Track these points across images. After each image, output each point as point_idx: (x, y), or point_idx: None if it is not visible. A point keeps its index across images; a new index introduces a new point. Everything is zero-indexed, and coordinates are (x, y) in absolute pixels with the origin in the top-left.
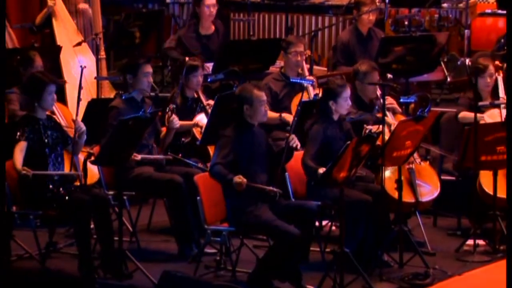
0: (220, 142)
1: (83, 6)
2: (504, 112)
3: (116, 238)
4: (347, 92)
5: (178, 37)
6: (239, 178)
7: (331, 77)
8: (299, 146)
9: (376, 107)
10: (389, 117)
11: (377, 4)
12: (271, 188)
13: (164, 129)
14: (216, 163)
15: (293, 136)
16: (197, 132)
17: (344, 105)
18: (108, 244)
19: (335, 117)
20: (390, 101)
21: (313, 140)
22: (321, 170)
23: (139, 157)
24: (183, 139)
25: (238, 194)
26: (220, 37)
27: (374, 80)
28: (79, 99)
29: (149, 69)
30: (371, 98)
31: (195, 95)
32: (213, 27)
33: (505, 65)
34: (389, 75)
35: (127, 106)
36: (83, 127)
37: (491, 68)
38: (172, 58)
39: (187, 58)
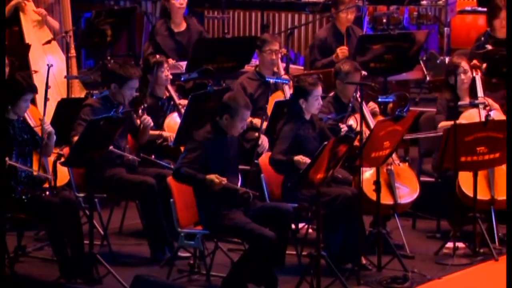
0: (189, 146)
1: (40, 11)
2: (483, 112)
3: (86, 242)
4: (318, 90)
5: (153, 42)
6: (217, 178)
7: (303, 75)
8: (266, 149)
9: (351, 105)
10: (370, 122)
11: (355, 1)
12: (244, 189)
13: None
14: (182, 165)
15: (262, 137)
16: (168, 136)
17: (314, 104)
18: (78, 248)
19: (307, 116)
20: (372, 105)
21: (284, 138)
22: (299, 157)
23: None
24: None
25: (211, 198)
26: (192, 34)
27: (355, 81)
28: (46, 99)
29: (136, 84)
30: (350, 98)
31: (167, 94)
32: (184, 23)
33: (483, 65)
34: (364, 72)
35: (102, 106)
36: (50, 128)
37: (464, 65)
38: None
39: (153, 56)
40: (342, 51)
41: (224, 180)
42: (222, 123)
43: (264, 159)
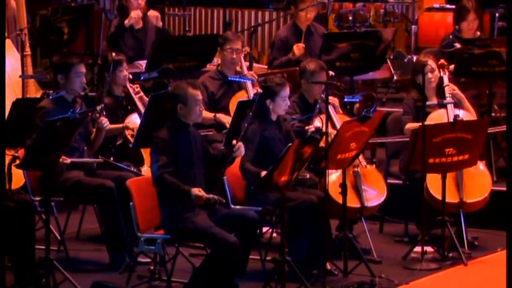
0: (157, 147)
1: None
2: (451, 112)
3: (42, 247)
4: (286, 91)
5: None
6: (199, 191)
7: (270, 75)
8: (242, 154)
9: (318, 105)
10: (336, 123)
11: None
12: (211, 195)
13: (94, 130)
14: (162, 172)
15: (240, 144)
16: (129, 135)
17: (282, 104)
18: (32, 254)
19: (273, 117)
20: (332, 99)
21: (250, 142)
22: (264, 174)
23: (68, 160)
24: (118, 142)
25: (175, 200)
26: (149, 32)
27: (321, 80)
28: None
29: (82, 69)
30: (315, 98)
31: (124, 92)
32: (141, 21)
33: (451, 66)
34: (331, 72)
35: (56, 107)
36: None
37: (431, 63)
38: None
39: (111, 54)
40: (298, 48)
41: (205, 196)
42: (180, 115)
43: None
